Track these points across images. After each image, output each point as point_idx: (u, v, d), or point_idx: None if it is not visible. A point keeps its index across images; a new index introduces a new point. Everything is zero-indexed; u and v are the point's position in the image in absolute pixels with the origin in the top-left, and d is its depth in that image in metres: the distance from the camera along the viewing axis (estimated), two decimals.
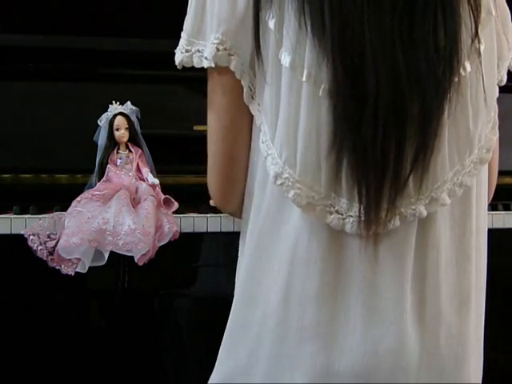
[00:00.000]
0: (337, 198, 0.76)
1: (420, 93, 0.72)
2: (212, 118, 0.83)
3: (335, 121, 0.72)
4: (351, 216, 0.76)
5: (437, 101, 0.73)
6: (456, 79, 0.75)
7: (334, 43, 0.71)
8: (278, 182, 0.77)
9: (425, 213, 0.77)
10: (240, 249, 0.90)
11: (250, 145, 0.84)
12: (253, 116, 0.82)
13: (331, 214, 0.76)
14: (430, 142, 0.74)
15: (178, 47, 0.82)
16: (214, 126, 0.83)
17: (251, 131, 0.84)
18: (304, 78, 0.74)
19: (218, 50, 0.77)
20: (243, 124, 0.83)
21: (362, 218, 0.75)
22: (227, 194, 0.87)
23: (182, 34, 0.82)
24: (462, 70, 0.75)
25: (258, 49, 0.76)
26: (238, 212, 0.91)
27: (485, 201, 0.86)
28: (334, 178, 0.75)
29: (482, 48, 0.77)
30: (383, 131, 0.72)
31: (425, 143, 0.73)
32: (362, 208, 0.74)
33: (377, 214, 0.74)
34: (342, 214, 0.76)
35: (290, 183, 0.76)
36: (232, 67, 0.78)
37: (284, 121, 0.75)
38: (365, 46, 0.71)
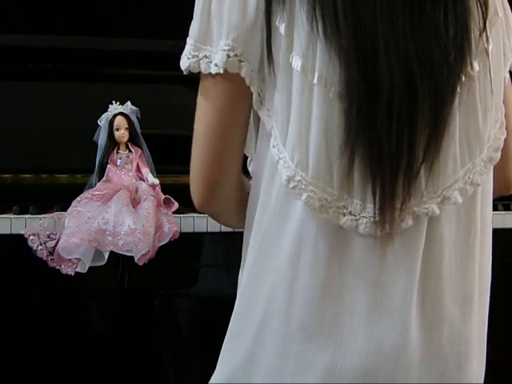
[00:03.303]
0: (349, 200, 0.76)
1: (432, 79, 0.73)
2: (205, 116, 0.82)
3: (348, 121, 0.73)
4: (364, 217, 0.76)
5: (448, 87, 0.74)
6: (465, 76, 0.75)
7: (348, 41, 0.71)
8: (291, 185, 0.76)
9: (437, 211, 0.77)
10: (243, 252, 0.90)
11: (240, 148, 0.84)
12: (247, 121, 0.82)
13: (344, 215, 0.76)
14: (440, 127, 0.74)
15: (184, 53, 0.82)
16: (207, 125, 0.82)
17: (243, 136, 0.83)
18: (315, 81, 0.74)
19: (228, 56, 0.76)
20: (237, 126, 0.82)
21: (376, 218, 0.75)
22: (208, 195, 0.86)
23: (188, 39, 0.81)
24: (470, 70, 0.76)
25: (270, 54, 0.76)
26: (220, 216, 0.92)
27: (490, 200, 0.86)
28: (347, 178, 0.75)
29: (490, 48, 0.78)
30: (397, 122, 0.72)
31: (436, 129, 0.74)
32: (376, 206, 0.74)
33: (391, 213, 0.74)
34: (356, 215, 0.76)
35: (302, 186, 0.76)
36: (242, 74, 0.78)
37: (295, 124, 0.75)
38: (378, 40, 0.72)
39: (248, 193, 0.90)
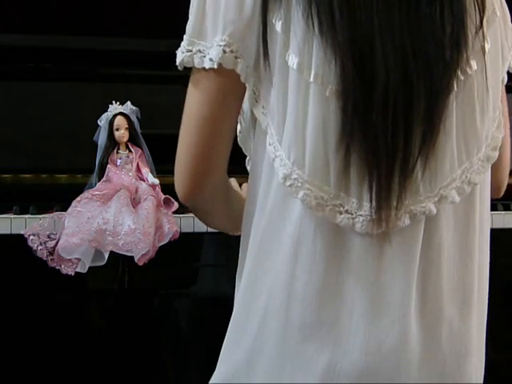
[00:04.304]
0: (346, 198, 0.76)
1: (427, 75, 0.73)
2: (196, 108, 0.82)
3: (344, 117, 0.73)
4: (361, 215, 0.76)
5: (443, 82, 0.74)
6: (462, 74, 0.76)
7: (344, 38, 0.72)
8: (287, 184, 0.76)
9: (434, 210, 0.77)
10: (241, 250, 0.90)
11: (228, 143, 0.84)
12: (237, 117, 0.83)
13: (341, 213, 0.76)
14: (436, 122, 0.74)
15: (179, 48, 0.82)
16: (197, 116, 0.82)
17: (232, 131, 0.84)
18: (311, 79, 0.74)
19: (224, 52, 0.77)
20: (227, 120, 0.82)
21: (373, 217, 0.75)
22: (193, 187, 0.86)
23: (185, 35, 0.82)
24: (467, 68, 0.76)
25: (266, 51, 0.76)
26: (206, 214, 0.93)
27: (488, 199, 0.86)
28: (343, 176, 0.75)
29: (487, 47, 0.78)
30: (393, 115, 0.72)
31: (431, 124, 0.74)
32: (372, 204, 0.74)
33: (387, 211, 0.74)
34: (352, 214, 0.76)
35: (299, 184, 0.76)
36: (238, 70, 0.78)
37: (292, 122, 0.75)
38: (374, 35, 0.72)
39: (232, 192, 0.92)
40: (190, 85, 0.83)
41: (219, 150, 0.84)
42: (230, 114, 0.82)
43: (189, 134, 0.83)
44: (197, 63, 0.80)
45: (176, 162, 0.86)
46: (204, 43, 0.79)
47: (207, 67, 0.78)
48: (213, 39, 0.78)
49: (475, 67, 0.77)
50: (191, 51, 0.80)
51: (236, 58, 0.77)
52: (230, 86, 0.80)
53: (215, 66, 0.77)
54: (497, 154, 0.81)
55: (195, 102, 0.82)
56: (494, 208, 1.57)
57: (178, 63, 0.82)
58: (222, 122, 0.82)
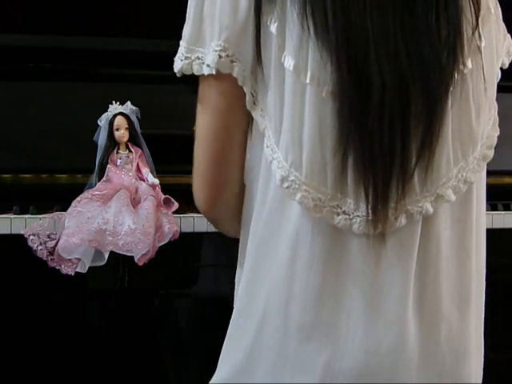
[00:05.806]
0: (343, 199, 0.76)
1: (424, 80, 0.73)
2: (205, 119, 0.82)
3: (341, 120, 0.73)
4: (358, 216, 0.76)
5: (441, 87, 0.74)
6: (458, 74, 0.76)
7: (338, 40, 0.72)
8: (285, 185, 0.76)
9: (431, 210, 0.77)
10: (240, 251, 0.90)
11: (242, 149, 0.84)
12: (247, 121, 0.82)
13: (338, 214, 0.76)
14: (435, 127, 0.74)
15: (177, 55, 0.82)
16: (207, 128, 0.82)
17: (245, 136, 0.83)
18: (308, 80, 0.74)
19: (220, 57, 0.77)
20: (237, 127, 0.82)
21: (370, 217, 0.75)
22: (214, 198, 0.86)
23: (181, 42, 0.81)
24: (463, 68, 0.76)
25: (259, 54, 0.76)
26: (224, 222, 0.91)
27: (484, 198, 0.86)
28: (340, 178, 0.75)
29: (482, 45, 0.78)
30: (390, 121, 0.72)
31: (430, 129, 0.74)
32: (369, 206, 0.74)
33: (384, 212, 0.74)
34: (349, 215, 0.76)
35: (296, 186, 0.76)
36: (234, 74, 0.78)
37: (289, 124, 0.75)
38: (367, 39, 0.72)
39: None
40: (198, 101, 0.83)
41: (234, 159, 0.84)
42: (240, 121, 0.82)
43: (203, 149, 0.83)
44: (196, 70, 0.80)
45: (194, 177, 0.86)
46: (202, 50, 0.79)
47: (206, 73, 0.78)
48: (210, 45, 0.78)
49: (470, 66, 0.77)
50: (190, 58, 0.80)
51: (232, 62, 0.77)
52: (235, 92, 0.80)
53: (213, 72, 0.77)
54: (492, 152, 0.81)
55: (204, 116, 0.83)
56: (494, 208, 1.57)
57: (176, 71, 0.82)
58: (233, 130, 0.82)
